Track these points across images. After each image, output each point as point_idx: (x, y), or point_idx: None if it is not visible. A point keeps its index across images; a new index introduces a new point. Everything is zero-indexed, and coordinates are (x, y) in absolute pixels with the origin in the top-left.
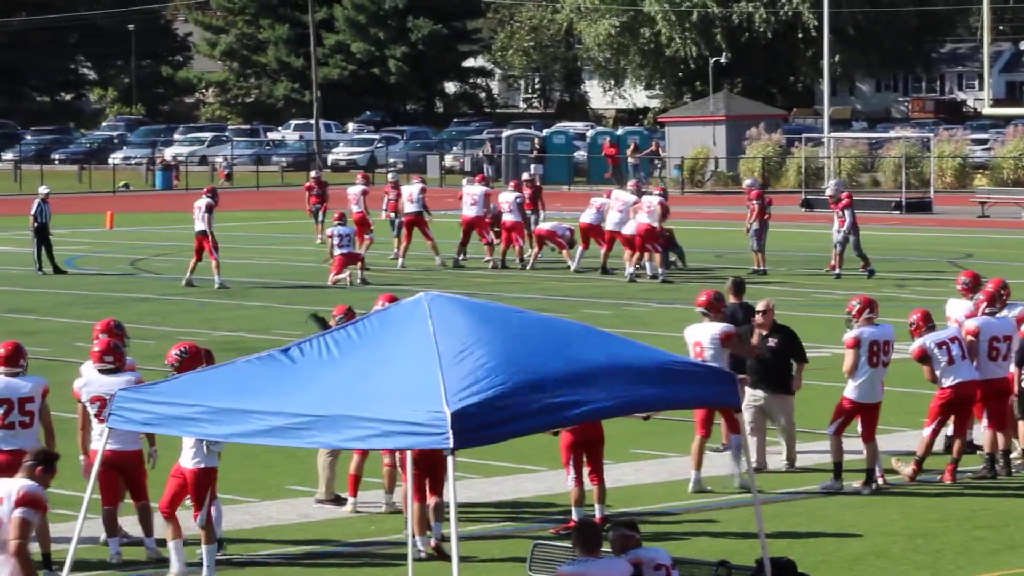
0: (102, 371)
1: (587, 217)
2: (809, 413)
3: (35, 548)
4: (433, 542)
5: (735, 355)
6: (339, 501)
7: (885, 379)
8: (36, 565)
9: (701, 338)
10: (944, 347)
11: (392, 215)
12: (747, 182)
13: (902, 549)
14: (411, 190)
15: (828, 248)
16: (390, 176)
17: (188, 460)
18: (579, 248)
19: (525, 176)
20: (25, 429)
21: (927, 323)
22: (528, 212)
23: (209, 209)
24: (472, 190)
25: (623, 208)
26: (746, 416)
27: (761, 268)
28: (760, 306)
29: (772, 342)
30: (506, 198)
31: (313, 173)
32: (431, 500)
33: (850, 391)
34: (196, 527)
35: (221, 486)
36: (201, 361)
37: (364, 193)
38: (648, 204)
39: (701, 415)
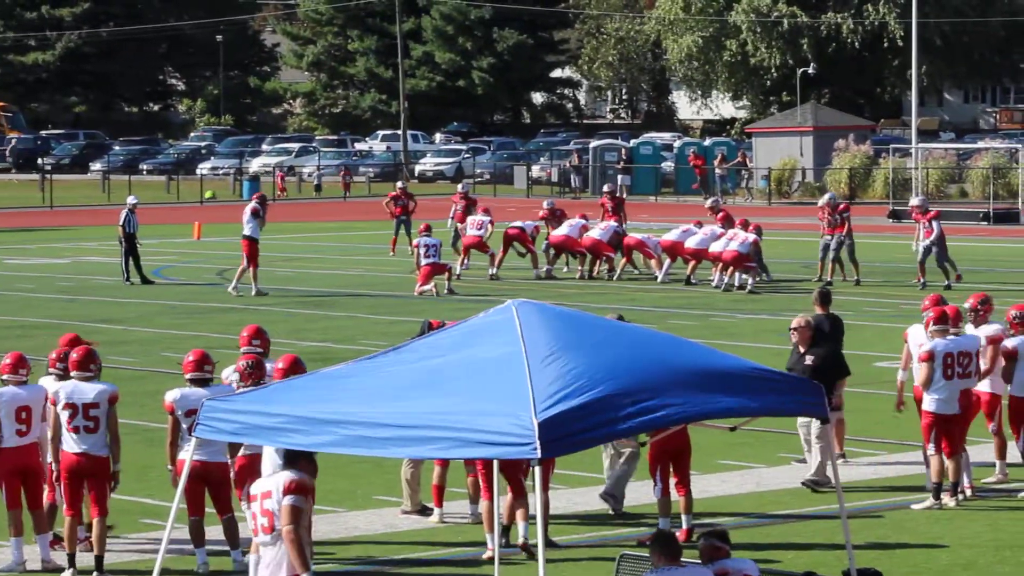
0: (193, 381)
1: (670, 236)
2: (894, 424)
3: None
4: (521, 540)
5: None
6: (425, 512)
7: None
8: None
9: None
10: None
11: (460, 225)
12: (827, 196)
13: (989, 561)
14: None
15: (915, 259)
16: (460, 187)
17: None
18: (666, 260)
19: (606, 188)
20: (90, 434)
21: None
22: (613, 223)
23: (254, 214)
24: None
25: (707, 233)
26: (801, 432)
27: (856, 278)
28: (792, 324)
29: (809, 359)
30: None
31: (399, 184)
32: (517, 502)
33: (928, 404)
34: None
35: None
36: (264, 373)
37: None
38: (742, 237)
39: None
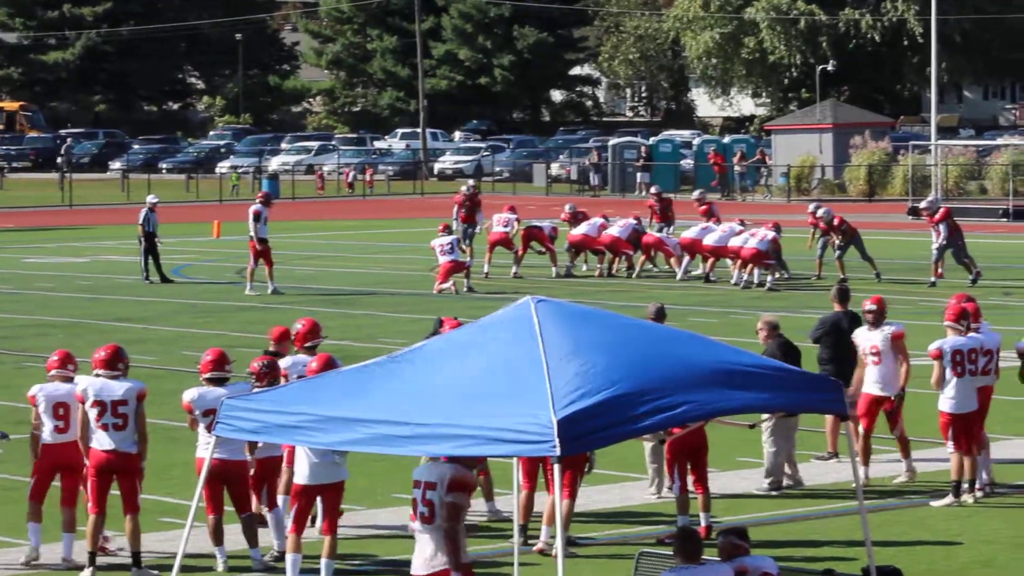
0: (211, 381)
1: (689, 233)
2: (913, 422)
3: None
4: (540, 545)
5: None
6: None
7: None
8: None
9: (875, 341)
10: None
11: (464, 226)
12: (822, 211)
13: (1008, 558)
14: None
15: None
16: (463, 188)
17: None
18: (685, 258)
19: (653, 189)
20: (119, 431)
21: None
22: (653, 224)
23: (256, 216)
24: (595, 221)
25: (726, 230)
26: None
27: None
28: (758, 325)
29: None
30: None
31: (463, 189)
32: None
33: (943, 403)
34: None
35: None
36: (279, 373)
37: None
38: (762, 234)
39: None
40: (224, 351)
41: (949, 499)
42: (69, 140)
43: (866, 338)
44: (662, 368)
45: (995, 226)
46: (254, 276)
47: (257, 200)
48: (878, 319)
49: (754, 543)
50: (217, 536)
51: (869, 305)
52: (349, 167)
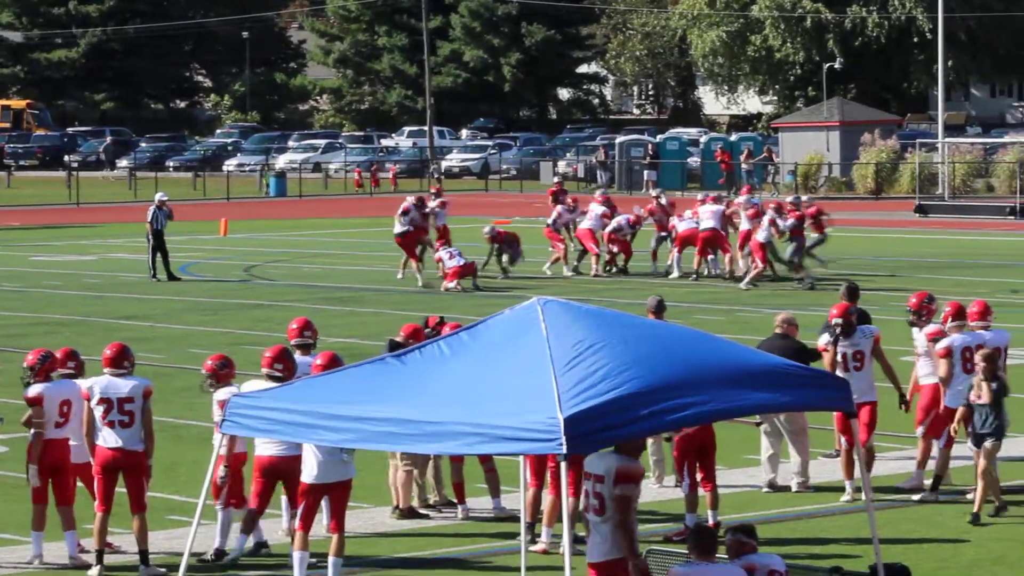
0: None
1: (684, 226)
2: (896, 419)
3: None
4: (541, 547)
5: None
6: (413, 516)
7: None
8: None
9: (859, 346)
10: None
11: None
12: (791, 198)
13: (1018, 555)
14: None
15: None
16: (433, 184)
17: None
18: (674, 254)
19: (741, 198)
20: (125, 428)
21: None
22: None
23: (404, 212)
24: (596, 209)
25: (714, 215)
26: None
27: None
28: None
29: None
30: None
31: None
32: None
33: (951, 400)
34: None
35: None
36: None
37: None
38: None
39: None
40: (226, 355)
41: (927, 494)
42: (108, 138)
43: (846, 344)
44: (670, 367)
45: (1002, 224)
46: (407, 266)
47: (412, 200)
48: (848, 329)
49: (762, 541)
50: (249, 525)
51: (836, 318)
52: (358, 166)
